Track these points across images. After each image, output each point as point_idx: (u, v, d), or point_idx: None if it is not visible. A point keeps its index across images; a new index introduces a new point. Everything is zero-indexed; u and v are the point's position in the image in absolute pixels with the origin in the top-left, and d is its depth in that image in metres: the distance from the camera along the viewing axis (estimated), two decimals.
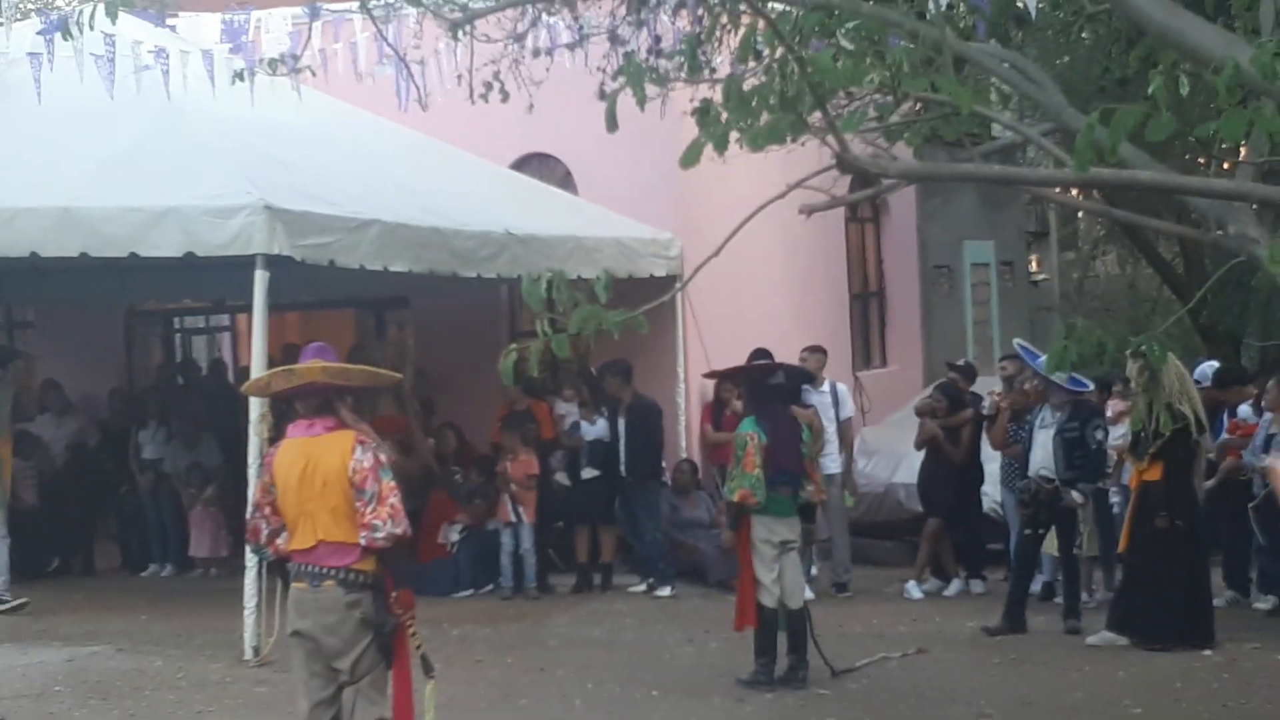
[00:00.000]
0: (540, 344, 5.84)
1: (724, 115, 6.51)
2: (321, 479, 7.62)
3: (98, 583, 16.55)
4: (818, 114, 5.96)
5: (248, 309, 13.86)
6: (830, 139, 5.85)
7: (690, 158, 6.53)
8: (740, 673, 11.05)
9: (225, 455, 16.32)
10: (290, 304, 16.91)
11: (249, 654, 11.88)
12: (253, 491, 9.42)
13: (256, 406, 11.68)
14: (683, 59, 9.50)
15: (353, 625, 7.64)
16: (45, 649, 12.84)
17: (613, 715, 10.31)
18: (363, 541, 7.49)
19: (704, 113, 6.67)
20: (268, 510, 7.82)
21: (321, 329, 16.94)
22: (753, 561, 10.86)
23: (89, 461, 17.43)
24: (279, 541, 7.81)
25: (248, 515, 8.65)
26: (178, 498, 16.98)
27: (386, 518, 7.53)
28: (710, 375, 13.99)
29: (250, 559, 11.78)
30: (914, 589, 14.58)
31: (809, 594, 12.61)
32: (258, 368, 11.75)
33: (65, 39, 10.66)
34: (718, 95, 6.67)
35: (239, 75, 11.16)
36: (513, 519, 14.85)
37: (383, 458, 7.65)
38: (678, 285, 9.11)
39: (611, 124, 7.01)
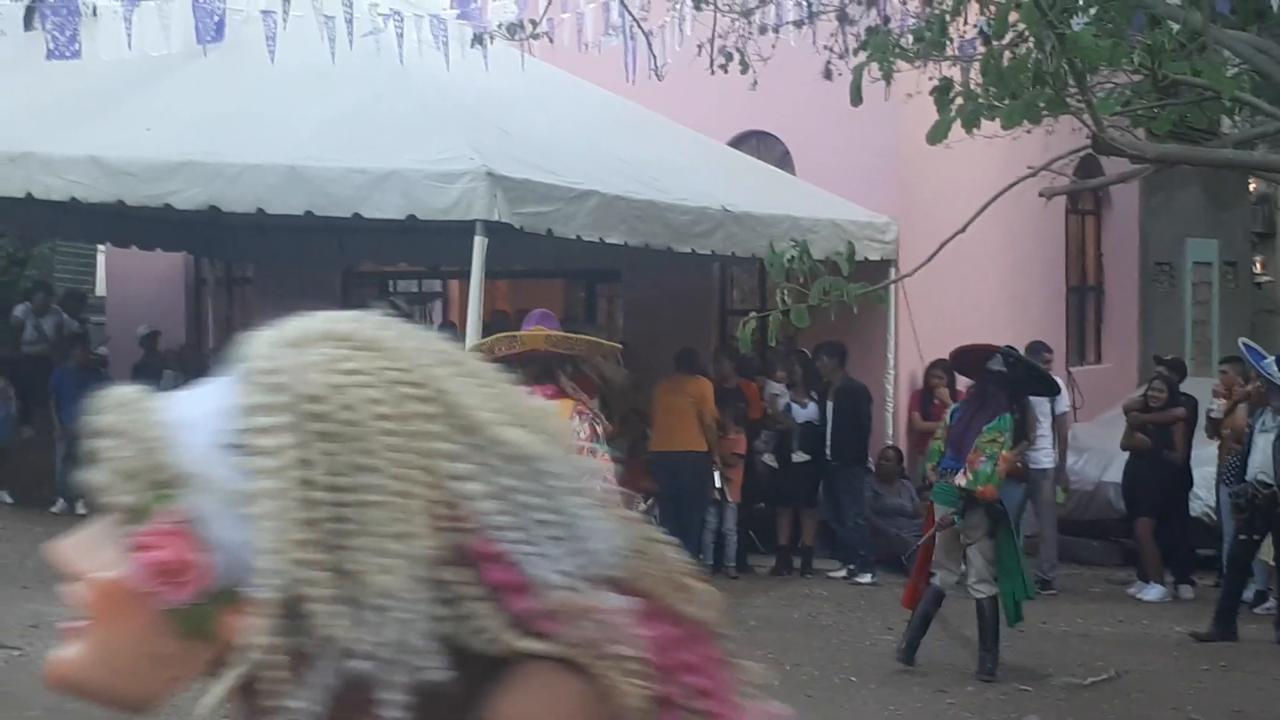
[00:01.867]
0: (779, 314, 5.75)
1: (968, 93, 6.36)
2: None
3: None
4: (1072, 94, 5.80)
5: (461, 274, 13.98)
6: (1086, 119, 5.68)
7: (938, 134, 6.39)
8: (937, 662, 10.95)
9: None
10: (502, 271, 16.97)
11: None
12: None
13: None
14: (918, 37, 9.33)
15: None
16: None
17: (811, 698, 10.18)
18: None
19: (943, 91, 6.53)
20: None
21: (532, 297, 17.03)
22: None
23: None
24: None
25: None
26: None
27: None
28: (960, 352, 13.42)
29: None
30: (1148, 590, 14.27)
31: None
32: (473, 333, 11.78)
33: None
34: (956, 75, 6.54)
35: (477, 39, 11.22)
36: (717, 497, 14.79)
37: (599, 429, 7.70)
38: (905, 265, 8.94)
39: (856, 97, 6.91)
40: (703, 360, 15.42)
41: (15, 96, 14.03)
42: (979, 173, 12.67)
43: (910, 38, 9.57)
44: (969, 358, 11.57)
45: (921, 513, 13.26)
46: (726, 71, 11.55)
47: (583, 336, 8.34)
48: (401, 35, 13.02)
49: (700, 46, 11.81)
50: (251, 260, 19.86)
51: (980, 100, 6.17)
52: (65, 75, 13.38)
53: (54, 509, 16.32)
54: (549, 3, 12.67)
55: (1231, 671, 11.38)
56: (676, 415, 14.73)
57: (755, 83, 12.54)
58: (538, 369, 7.67)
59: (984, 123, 6.71)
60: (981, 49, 7.25)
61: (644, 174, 14.35)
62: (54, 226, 18.19)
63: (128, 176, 13.15)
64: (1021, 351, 14.98)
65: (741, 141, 17.57)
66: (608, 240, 13.36)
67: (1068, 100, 5.80)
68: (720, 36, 11.77)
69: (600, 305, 19.64)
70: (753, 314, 6.13)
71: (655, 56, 12.73)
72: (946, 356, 12.90)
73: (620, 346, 10.20)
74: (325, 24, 12.89)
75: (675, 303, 17.47)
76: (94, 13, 12.76)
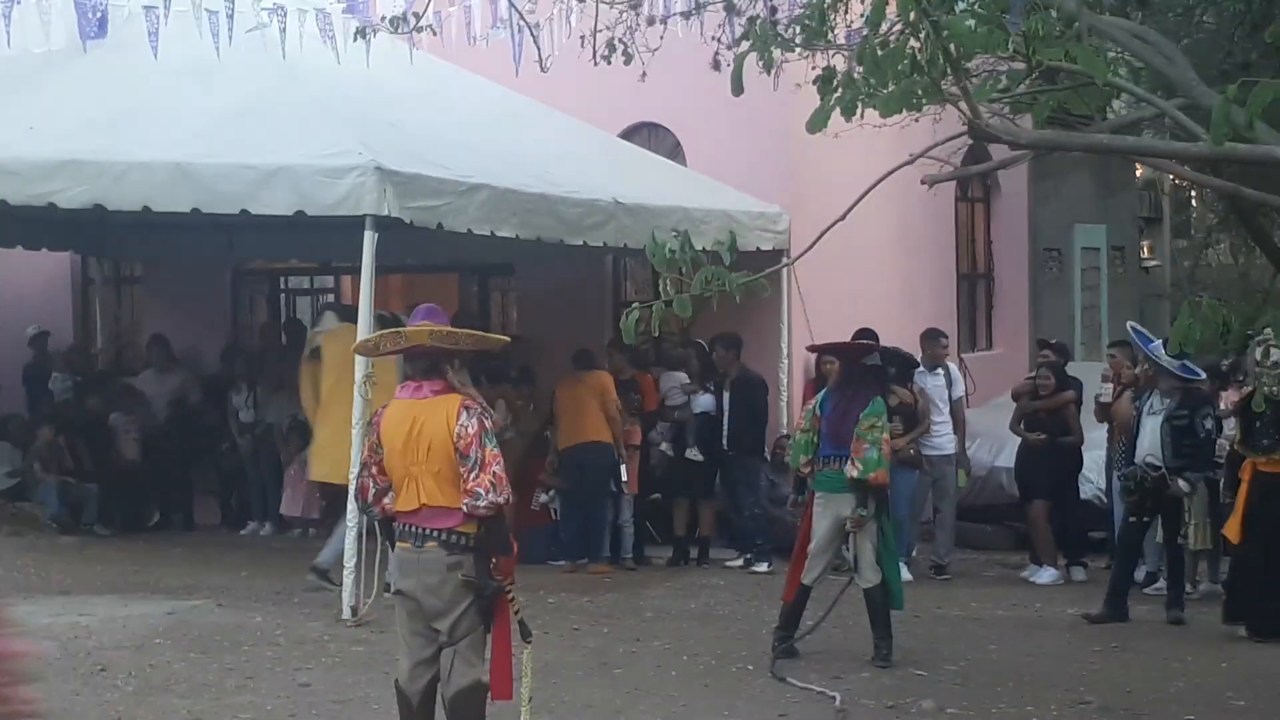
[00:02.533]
0: (661, 305, 5.76)
1: (848, 81, 6.37)
2: (427, 442, 7.60)
3: (197, 538, 16.71)
4: (948, 81, 5.82)
5: (353, 270, 13.88)
6: (962, 106, 5.71)
7: (817, 122, 6.39)
8: (843, 649, 11.06)
9: None
10: (394, 266, 16.92)
11: (347, 613, 11.91)
12: (360, 450, 9.46)
13: (362, 367, 11.69)
14: (800, 28, 9.37)
15: (453, 587, 7.65)
16: (146, 601, 12.92)
17: (708, 688, 10.22)
18: (465, 508, 7.48)
19: (826, 81, 6.54)
20: (375, 470, 7.83)
21: (426, 293, 16.89)
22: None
23: (191, 417, 17.57)
24: (385, 501, 7.82)
25: (354, 473, 8.65)
26: (278, 456, 17.07)
27: (489, 485, 7.49)
28: (812, 349, 13.82)
29: (349, 518, 11.91)
30: (1040, 574, 14.42)
31: (906, 575, 12.52)
32: (364, 329, 11.72)
33: None
34: (839, 65, 6.56)
35: (360, 33, 11.11)
36: (612, 489, 14.82)
37: (488, 423, 7.62)
38: (795, 254, 8.95)
39: (737, 87, 6.89)
40: (598, 357, 15.44)
41: None
42: (868, 161, 12.73)
43: (795, 29, 9.62)
44: (845, 352, 11.78)
45: None
46: (610, 63, 11.51)
47: (467, 331, 8.25)
48: (284, 30, 12.94)
49: (583, 38, 11.76)
50: (140, 259, 19.59)
51: (861, 89, 6.20)
52: None
53: None
54: None
55: (1123, 652, 11.52)
56: (580, 409, 14.76)
57: (644, 74, 12.52)
58: (425, 364, 7.65)
59: (872, 112, 6.74)
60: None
61: (534, 167, 14.29)
62: None
63: (11, 176, 12.89)
64: (918, 338, 15.25)
65: (633, 134, 17.58)
66: (499, 234, 13.28)
67: (943, 88, 5.83)
68: (607, 28, 11.74)
69: (494, 299, 19.59)
70: (635, 304, 6.11)
71: (540, 50, 12.66)
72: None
73: (508, 339, 10.15)
74: (209, 19, 12.79)
75: (568, 296, 17.43)
76: None
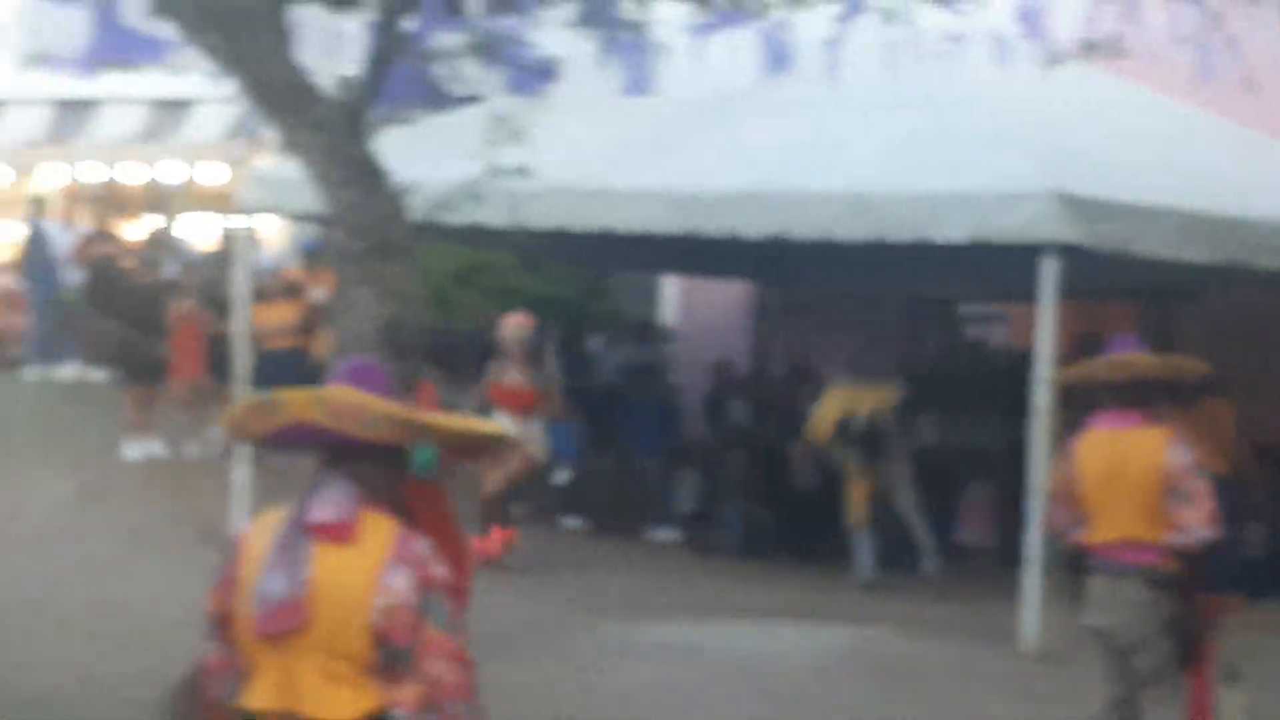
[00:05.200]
0: None
1: None
2: (1133, 474, 7.44)
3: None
4: None
5: (1025, 297, 13.87)
6: None
7: None
8: None
9: (1005, 441, 16.29)
10: (1066, 292, 16.82)
11: (1028, 645, 11.88)
12: (1051, 481, 9.44)
13: (1046, 394, 11.68)
14: None
15: (1153, 624, 7.60)
16: (826, 627, 13.34)
17: None
18: (1173, 542, 7.34)
19: None
20: (1068, 501, 7.79)
21: (1103, 320, 16.82)
22: None
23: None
24: (1077, 533, 7.78)
25: (1038, 505, 8.58)
26: (948, 482, 17.22)
27: (1201, 520, 7.33)
28: None
29: (1032, 549, 11.88)
30: None
31: None
32: (1045, 358, 11.79)
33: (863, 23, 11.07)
34: None
35: (1051, 60, 11.20)
36: None
37: (1197, 458, 7.48)
38: None
39: None
40: None
41: (589, 134, 14.79)
42: None
43: None
44: None
45: None
46: None
47: (1163, 360, 8.03)
48: (960, 56, 13.10)
49: None
50: (813, 287, 20.24)
51: None
52: (636, 111, 14.01)
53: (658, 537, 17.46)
54: (1118, 16, 12.44)
55: None
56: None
57: None
58: (1131, 394, 7.62)
59: None
60: None
61: (1223, 188, 13.88)
62: (626, 258, 19.04)
63: (700, 207, 13.64)
64: None
65: None
66: (1186, 258, 12.94)
67: None
68: None
69: (1177, 326, 19.10)
70: None
71: (1235, 63, 12.30)
72: None
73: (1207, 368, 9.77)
74: (888, 48, 13.09)
75: (1261, 323, 16.96)
76: (663, 50, 13.37)
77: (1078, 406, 9.32)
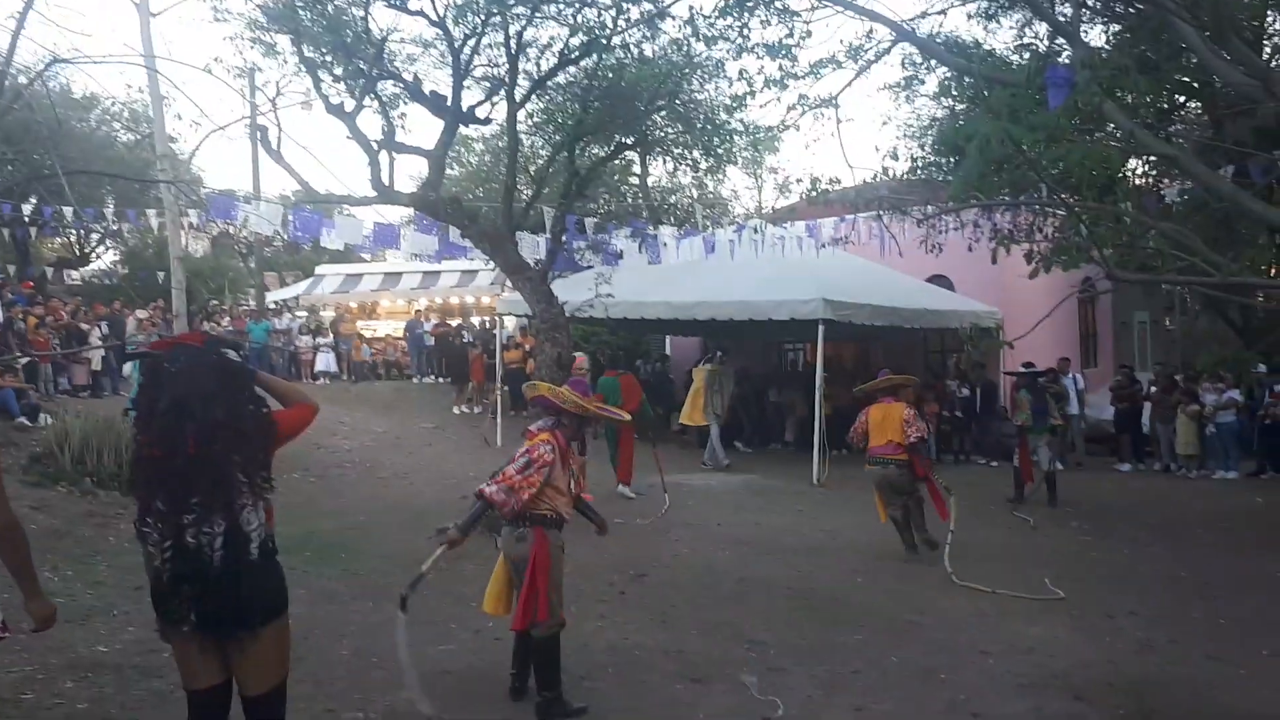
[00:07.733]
0: None
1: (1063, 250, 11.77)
2: (891, 418, 12.82)
3: None
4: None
5: (810, 340, 22.17)
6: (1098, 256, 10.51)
7: (1041, 271, 11.54)
8: None
9: (804, 396, 25.32)
10: (829, 337, 23.00)
11: (816, 481, 20.77)
12: (856, 423, 14.71)
13: (820, 380, 20.35)
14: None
15: (902, 477, 13.59)
16: (734, 475, 21.85)
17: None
18: (905, 443, 12.80)
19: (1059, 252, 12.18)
20: (862, 431, 13.14)
21: (843, 349, 28.04)
22: None
23: None
24: (865, 445, 13.34)
25: (819, 425, 17.86)
26: (782, 416, 26.82)
27: (916, 434, 13.08)
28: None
29: (816, 443, 20.57)
30: None
31: None
32: (819, 366, 20.78)
33: (746, 232, 23.24)
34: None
35: (822, 245, 20.67)
36: None
37: (914, 412, 12.07)
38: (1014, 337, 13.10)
39: (994, 258, 11.79)
40: None
41: (635, 280, 23.19)
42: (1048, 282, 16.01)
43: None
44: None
45: None
46: (972, 250, 16.55)
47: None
48: (787, 244, 24.13)
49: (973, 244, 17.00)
50: (726, 339, 28.02)
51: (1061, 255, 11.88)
52: (653, 270, 24.75)
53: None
54: (848, 228, 20.19)
55: None
56: None
57: (940, 250, 16.88)
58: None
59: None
60: None
61: (891, 295, 23.54)
62: (651, 329, 29.75)
63: (680, 308, 23.50)
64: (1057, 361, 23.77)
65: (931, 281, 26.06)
66: (875, 324, 21.98)
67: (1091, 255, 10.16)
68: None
69: (873, 353, 28.50)
70: None
71: (891, 244, 17.97)
72: None
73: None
74: (755, 242, 24.44)
75: (905, 351, 26.64)
76: (663, 244, 25.09)
77: (867, 398, 15.02)
